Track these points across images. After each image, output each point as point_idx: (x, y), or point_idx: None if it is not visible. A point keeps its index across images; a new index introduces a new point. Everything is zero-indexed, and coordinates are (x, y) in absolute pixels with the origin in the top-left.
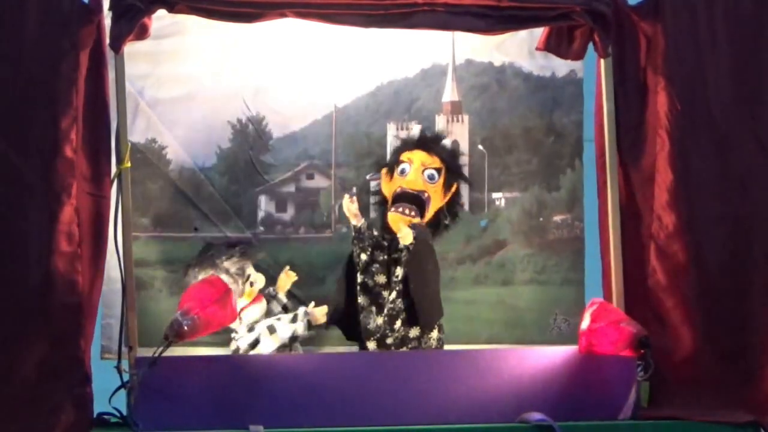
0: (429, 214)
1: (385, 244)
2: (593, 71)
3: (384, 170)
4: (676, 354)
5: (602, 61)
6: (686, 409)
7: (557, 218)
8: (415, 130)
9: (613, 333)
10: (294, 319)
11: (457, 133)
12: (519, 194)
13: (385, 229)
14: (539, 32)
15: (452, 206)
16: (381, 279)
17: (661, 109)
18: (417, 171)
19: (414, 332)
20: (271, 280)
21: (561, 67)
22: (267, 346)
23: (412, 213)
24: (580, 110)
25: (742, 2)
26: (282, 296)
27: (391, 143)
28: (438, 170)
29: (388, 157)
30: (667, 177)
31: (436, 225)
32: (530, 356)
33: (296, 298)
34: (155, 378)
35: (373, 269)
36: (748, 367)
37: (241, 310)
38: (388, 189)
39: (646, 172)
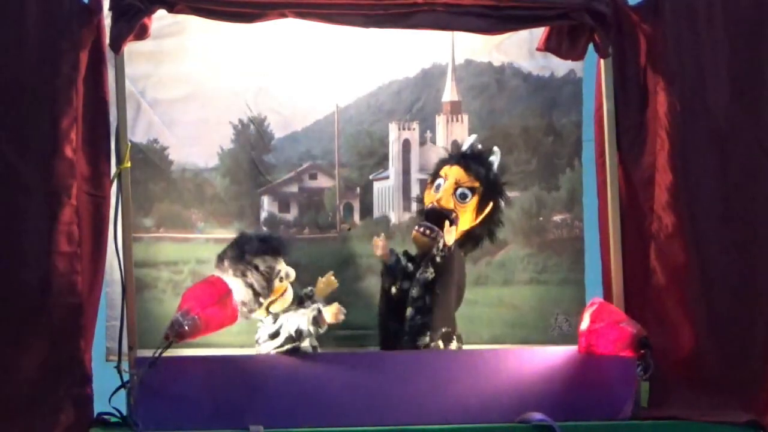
0: (458, 231)
1: (411, 269)
2: (593, 71)
3: (429, 180)
4: (676, 354)
5: (602, 61)
6: (686, 409)
7: (557, 218)
8: (471, 139)
9: (613, 333)
10: (303, 315)
11: (457, 133)
12: (519, 194)
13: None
14: (539, 32)
15: (488, 224)
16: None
17: (661, 109)
18: (448, 189)
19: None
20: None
21: (560, 67)
22: (280, 339)
23: (432, 234)
24: (579, 110)
25: (742, 2)
26: (320, 300)
27: (393, 143)
28: (472, 189)
29: (390, 154)
30: (667, 177)
31: (468, 242)
32: (530, 356)
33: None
34: (155, 378)
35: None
36: (748, 367)
37: (270, 303)
38: (427, 199)
39: (646, 172)
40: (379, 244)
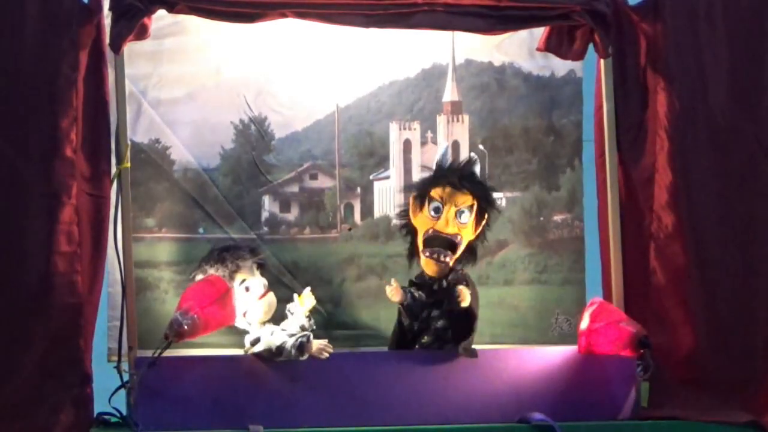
0: (461, 250)
1: (431, 301)
2: (593, 71)
3: (412, 198)
4: (676, 354)
5: (602, 61)
6: (686, 409)
7: (557, 218)
8: (444, 151)
9: (613, 333)
10: (293, 335)
11: (458, 133)
12: (519, 194)
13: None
14: (539, 32)
15: (483, 233)
16: (427, 339)
17: (660, 109)
18: (450, 214)
19: None
20: (275, 281)
21: (560, 67)
22: (259, 347)
23: (447, 258)
24: (579, 110)
25: (742, 2)
26: (302, 316)
27: (394, 143)
28: (470, 207)
29: (391, 155)
30: (666, 177)
31: (470, 256)
32: (530, 356)
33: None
34: (155, 378)
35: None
36: (748, 367)
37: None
38: (419, 222)
39: (646, 172)
40: (395, 291)
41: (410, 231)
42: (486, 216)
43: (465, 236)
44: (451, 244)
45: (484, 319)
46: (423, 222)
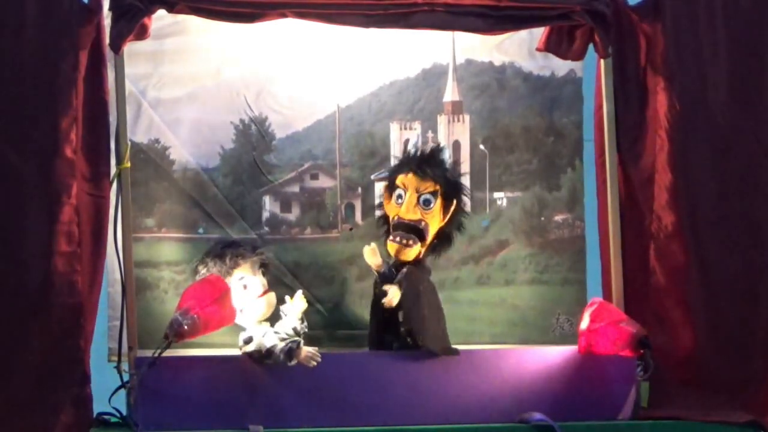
0: (430, 237)
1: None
2: (593, 71)
3: (384, 186)
4: (676, 354)
5: (602, 61)
6: (686, 409)
7: (558, 218)
8: (413, 137)
9: (613, 333)
10: (284, 339)
11: (458, 133)
12: (520, 194)
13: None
14: (539, 32)
15: (455, 220)
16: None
17: (660, 109)
18: (411, 200)
19: None
20: (276, 281)
21: (561, 67)
22: (251, 347)
23: (410, 242)
24: (579, 110)
25: (742, 2)
26: (295, 319)
27: (395, 143)
28: (434, 193)
29: (392, 154)
30: (666, 177)
31: (441, 243)
32: (530, 356)
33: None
34: (155, 378)
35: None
36: (748, 367)
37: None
38: (389, 210)
39: (646, 172)
40: (373, 252)
41: (386, 221)
42: (455, 202)
43: (431, 222)
44: (414, 230)
45: (484, 319)
46: (391, 210)
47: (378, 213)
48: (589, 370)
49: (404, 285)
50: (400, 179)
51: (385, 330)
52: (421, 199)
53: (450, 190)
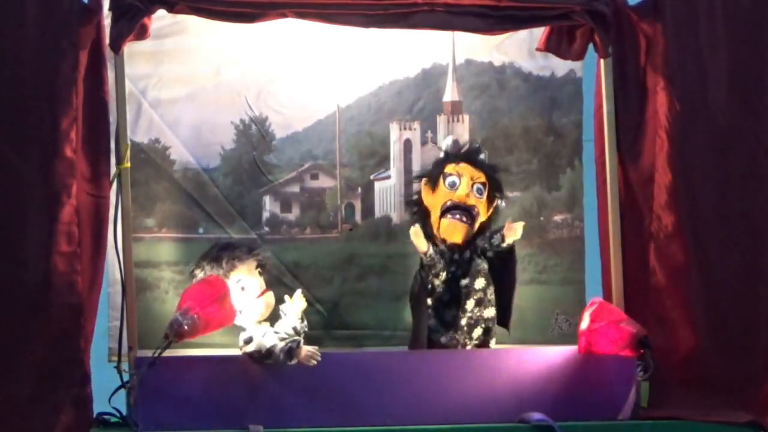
0: (476, 226)
1: (456, 257)
2: (593, 71)
3: (424, 181)
4: (676, 354)
5: (602, 61)
6: (686, 409)
7: (557, 218)
8: (448, 140)
9: (613, 333)
10: (284, 339)
11: (458, 133)
12: (519, 194)
13: (433, 239)
14: (539, 32)
15: (493, 219)
16: (447, 297)
17: (660, 109)
18: (467, 185)
19: (492, 341)
20: (276, 281)
21: (560, 67)
22: (251, 347)
23: (468, 221)
24: (579, 110)
25: (742, 2)
26: (294, 319)
27: (394, 143)
28: (483, 185)
29: (391, 155)
30: (666, 177)
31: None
32: (530, 356)
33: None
34: (155, 378)
35: (444, 290)
36: (748, 367)
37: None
38: (432, 201)
39: (646, 172)
40: (418, 232)
41: (423, 215)
42: (495, 200)
43: (481, 212)
44: (470, 213)
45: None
46: (439, 198)
47: (410, 208)
48: (589, 370)
49: (514, 256)
50: (452, 168)
51: (442, 311)
52: (475, 187)
53: (495, 185)
